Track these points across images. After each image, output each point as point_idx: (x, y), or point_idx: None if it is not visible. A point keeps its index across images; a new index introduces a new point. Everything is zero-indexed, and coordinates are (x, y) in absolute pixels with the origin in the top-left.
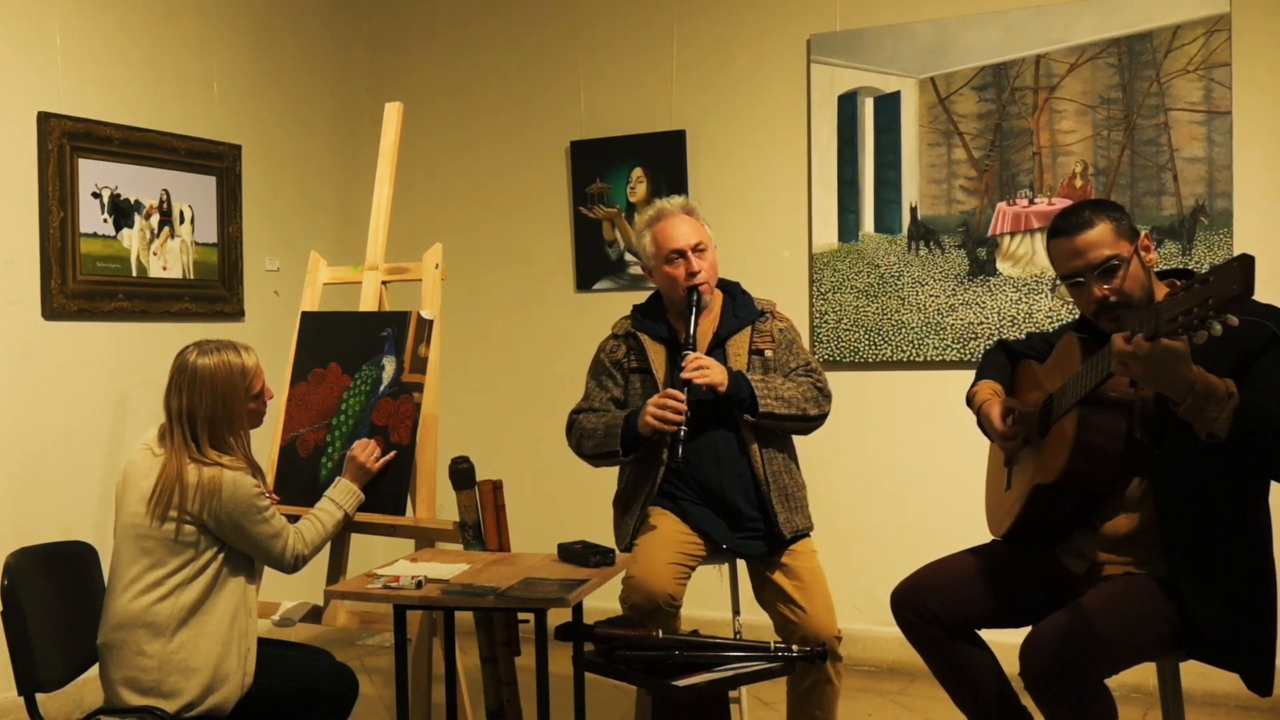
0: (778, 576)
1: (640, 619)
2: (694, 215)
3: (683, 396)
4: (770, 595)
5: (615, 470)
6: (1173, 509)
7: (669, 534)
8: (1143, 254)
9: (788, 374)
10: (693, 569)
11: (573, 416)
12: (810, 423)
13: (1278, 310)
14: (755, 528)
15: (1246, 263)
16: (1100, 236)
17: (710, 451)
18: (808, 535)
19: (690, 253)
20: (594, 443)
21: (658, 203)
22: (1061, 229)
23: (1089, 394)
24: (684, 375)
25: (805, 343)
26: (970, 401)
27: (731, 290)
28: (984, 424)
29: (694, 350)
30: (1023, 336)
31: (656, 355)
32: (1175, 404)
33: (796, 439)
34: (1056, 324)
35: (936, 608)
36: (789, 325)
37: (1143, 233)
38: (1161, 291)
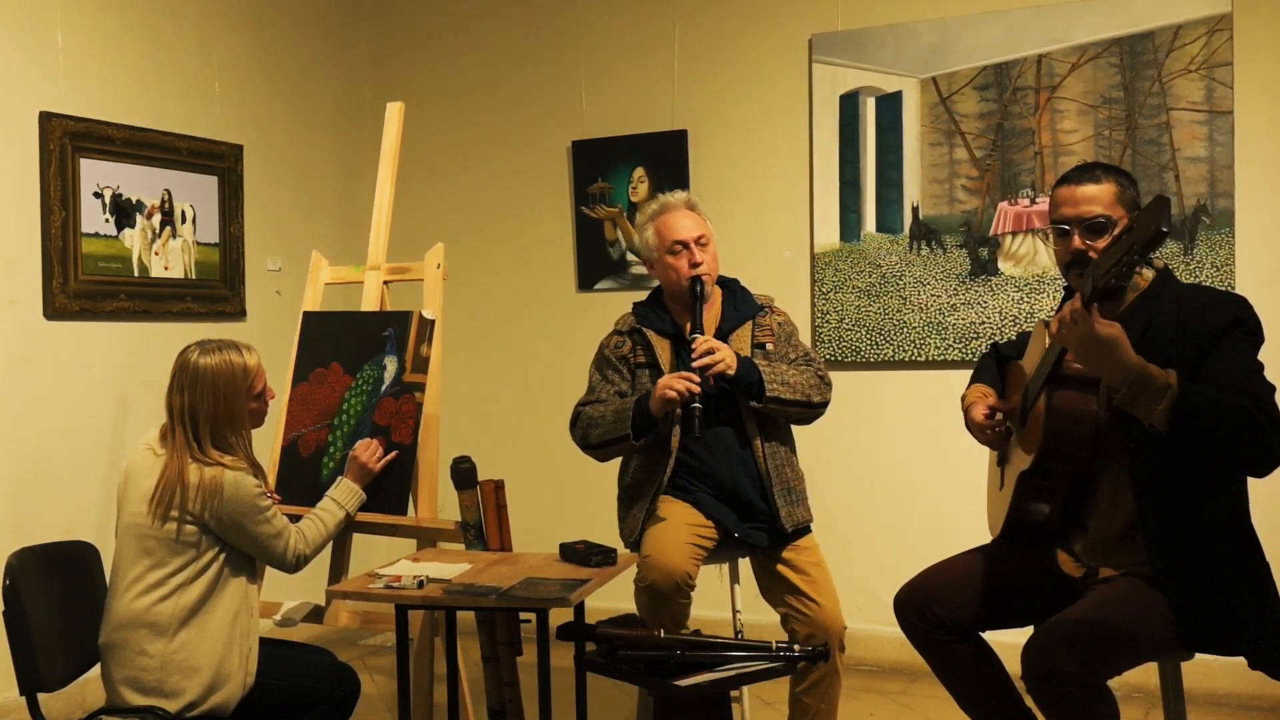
0: (785, 570)
1: (655, 602)
2: (696, 210)
3: (695, 377)
4: (779, 590)
5: (618, 467)
6: (1150, 499)
7: (682, 519)
8: None
9: (789, 364)
10: (707, 553)
11: (578, 410)
12: (813, 409)
13: (1239, 297)
14: (762, 520)
15: (1162, 202)
16: (1100, 194)
17: (719, 444)
18: (809, 529)
19: (693, 244)
20: (601, 430)
21: (660, 197)
22: (1068, 177)
23: (1053, 372)
24: (695, 362)
25: (806, 341)
26: (962, 406)
27: (731, 286)
28: (968, 425)
29: (702, 334)
30: (1014, 338)
31: (663, 350)
32: (1114, 391)
33: (797, 434)
34: None
35: (940, 611)
36: (787, 319)
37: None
38: (1147, 273)
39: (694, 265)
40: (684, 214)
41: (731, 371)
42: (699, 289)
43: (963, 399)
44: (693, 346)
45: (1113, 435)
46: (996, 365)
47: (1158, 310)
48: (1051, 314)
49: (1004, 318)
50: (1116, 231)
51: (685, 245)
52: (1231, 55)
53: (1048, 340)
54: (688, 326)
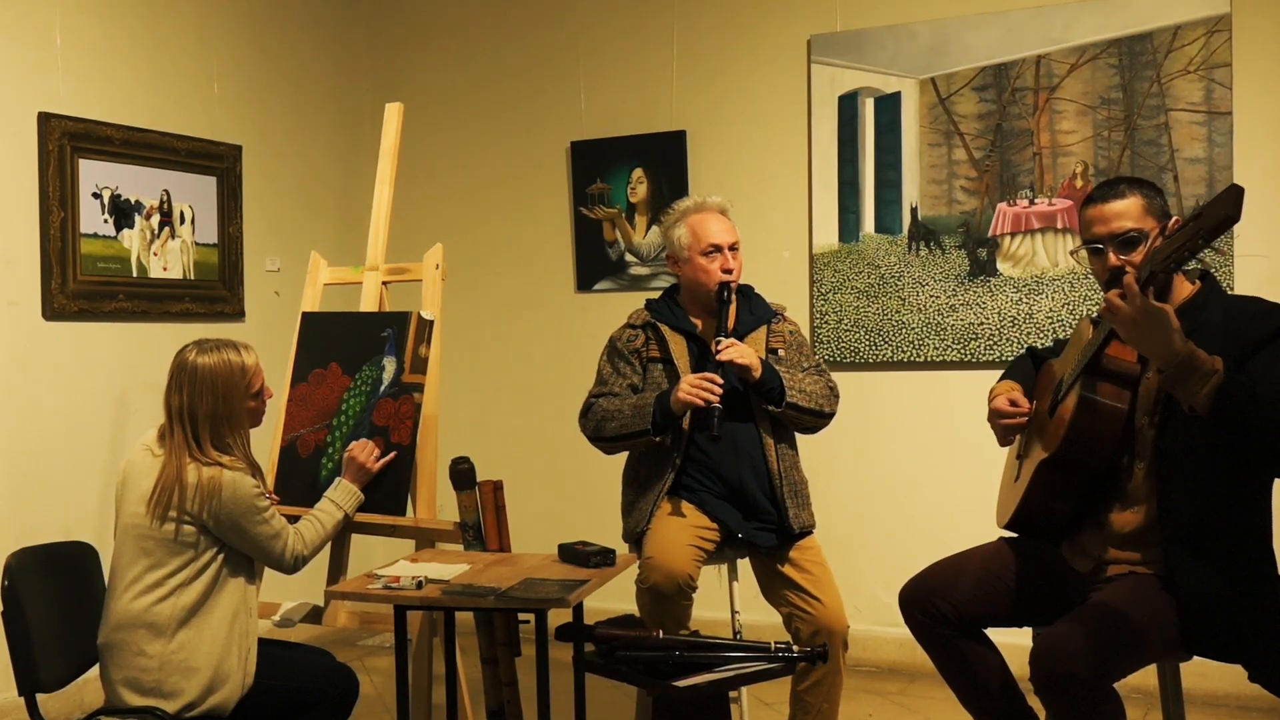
0: (788, 570)
1: (657, 603)
2: (728, 216)
3: (719, 379)
4: (781, 589)
5: (619, 466)
6: (1175, 500)
7: (685, 519)
8: None
9: (803, 372)
10: (707, 555)
11: (590, 401)
12: (822, 420)
13: None
14: (768, 520)
15: (1236, 190)
16: (1128, 208)
17: (729, 442)
18: (812, 532)
19: (726, 250)
20: (619, 424)
21: (694, 196)
22: (1094, 197)
23: (1092, 361)
24: (720, 357)
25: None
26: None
27: (745, 292)
28: (989, 418)
29: (727, 337)
30: (1050, 344)
31: (678, 345)
32: (1160, 370)
33: (796, 434)
34: (1056, 323)
35: (945, 607)
36: (797, 329)
37: (1175, 217)
38: (1178, 277)
39: (726, 271)
40: (719, 218)
41: (756, 374)
42: (726, 294)
43: (990, 394)
44: (718, 349)
45: (1133, 431)
46: (1032, 367)
47: (1203, 319)
48: (1087, 314)
49: (1003, 318)
50: (1149, 242)
51: (720, 250)
52: (1230, 56)
53: (1089, 334)
54: (708, 326)
